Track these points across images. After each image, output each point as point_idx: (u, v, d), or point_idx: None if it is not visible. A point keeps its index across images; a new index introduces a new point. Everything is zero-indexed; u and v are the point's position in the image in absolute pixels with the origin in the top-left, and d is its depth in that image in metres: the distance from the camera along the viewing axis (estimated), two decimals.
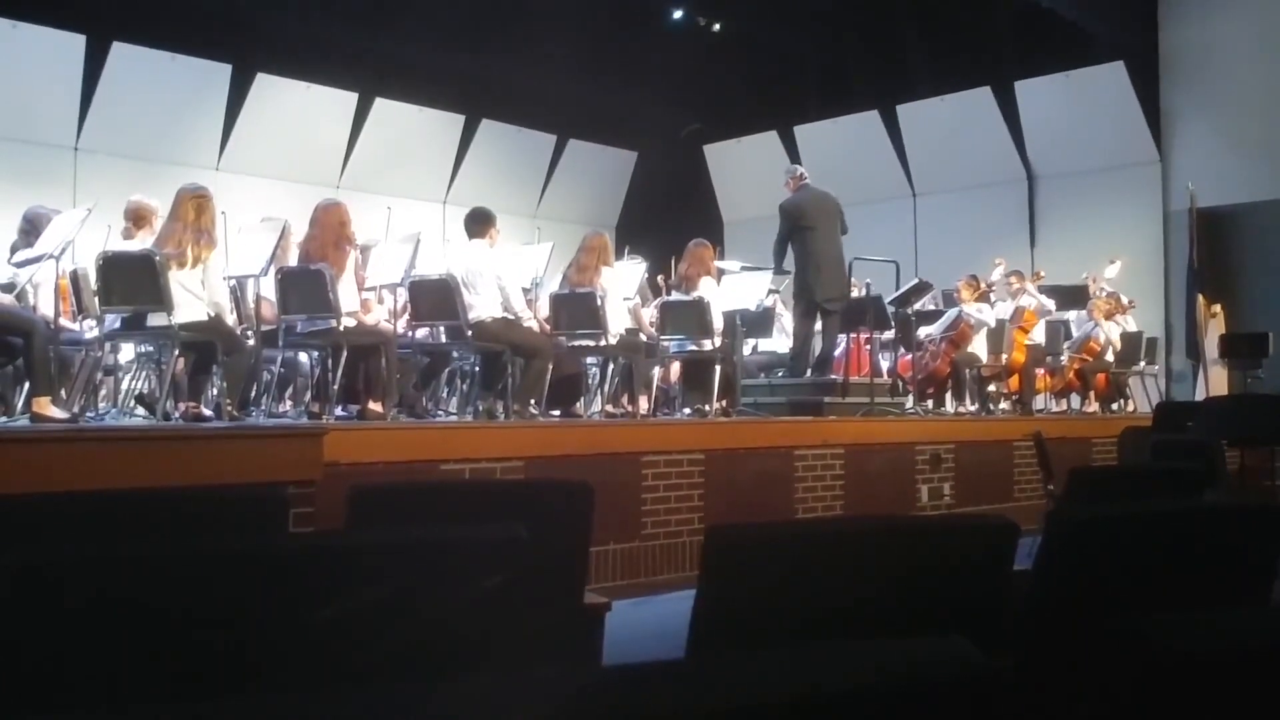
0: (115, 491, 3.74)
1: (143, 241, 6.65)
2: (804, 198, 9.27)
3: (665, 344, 8.44)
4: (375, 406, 6.75)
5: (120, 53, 11.77)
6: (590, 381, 8.48)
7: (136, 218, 6.87)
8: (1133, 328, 11.91)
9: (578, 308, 7.74)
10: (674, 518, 6.72)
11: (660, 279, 10.09)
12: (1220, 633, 1.26)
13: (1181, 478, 3.84)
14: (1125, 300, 11.94)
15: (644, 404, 8.27)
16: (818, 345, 9.51)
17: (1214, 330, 12.06)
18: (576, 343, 7.87)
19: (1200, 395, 11.35)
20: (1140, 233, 13.14)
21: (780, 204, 9.29)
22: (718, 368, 8.10)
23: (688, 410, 8.54)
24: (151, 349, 7.06)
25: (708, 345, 8.18)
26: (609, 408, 8.23)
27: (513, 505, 2.73)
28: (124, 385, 7.88)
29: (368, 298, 7.54)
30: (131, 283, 6.20)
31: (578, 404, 8.16)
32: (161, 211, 6.71)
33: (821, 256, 9.04)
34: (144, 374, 7.60)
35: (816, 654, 1.10)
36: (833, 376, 9.23)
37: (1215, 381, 11.83)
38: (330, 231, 6.93)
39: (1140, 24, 13.21)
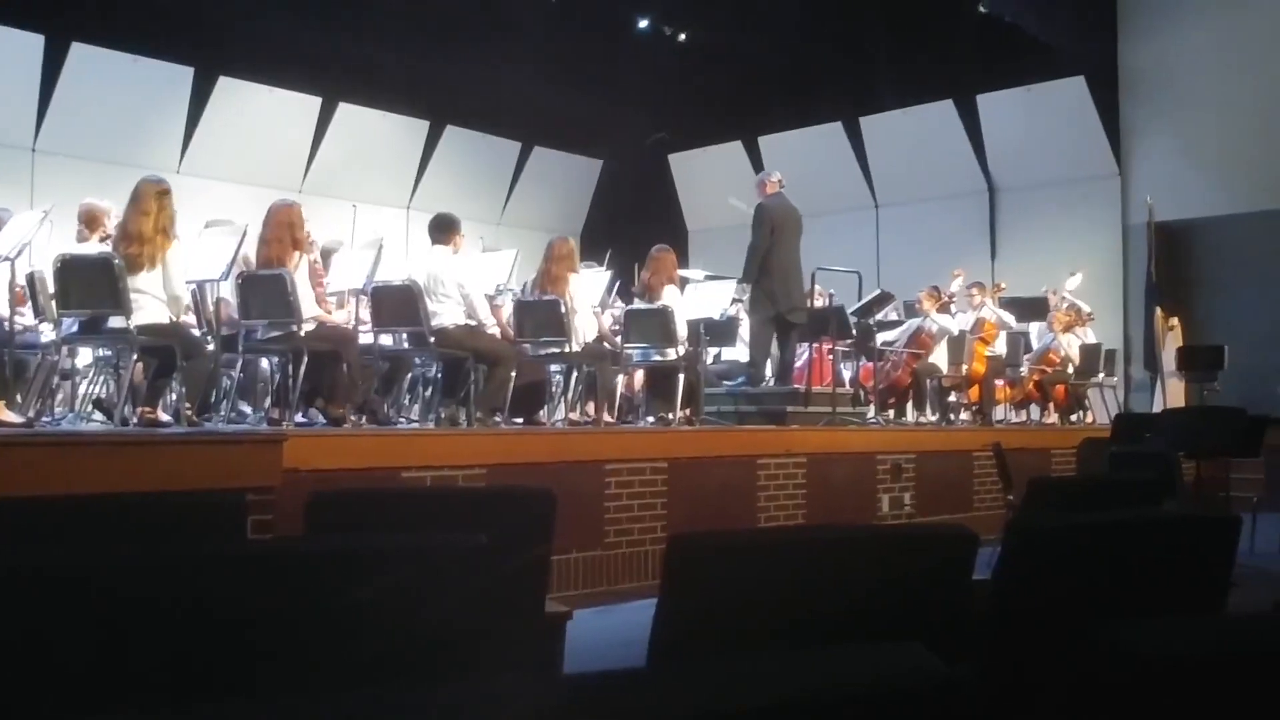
0: (72, 497, 3.69)
1: (98, 243, 6.56)
2: (781, 203, 9.28)
3: (629, 352, 8.44)
4: (336, 410, 6.69)
5: (80, 53, 11.65)
6: (554, 389, 8.46)
7: (89, 220, 6.78)
8: (1092, 340, 12.03)
9: (543, 315, 7.72)
10: (637, 526, 6.71)
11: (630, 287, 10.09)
12: (1176, 641, 1.27)
13: (1139, 488, 3.88)
14: (1085, 311, 12.06)
15: (606, 413, 8.26)
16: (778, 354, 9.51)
17: (1172, 343, 12.21)
18: (543, 350, 7.84)
19: (1158, 407, 11.48)
20: (1100, 246, 13.29)
21: (761, 204, 9.25)
22: (681, 376, 8.10)
23: (651, 418, 8.54)
24: (110, 353, 6.97)
25: (671, 354, 8.18)
26: (572, 415, 8.22)
27: (474, 513, 2.72)
28: (81, 390, 7.79)
29: (330, 300, 7.48)
30: (89, 286, 6.12)
31: (541, 411, 8.14)
32: (115, 212, 6.62)
33: (787, 267, 9.07)
34: (102, 378, 7.51)
35: (777, 662, 1.10)
36: (795, 386, 9.25)
37: (1173, 393, 11.97)
38: (279, 231, 6.84)
39: (1101, 40, 13.38)
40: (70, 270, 6.19)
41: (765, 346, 9.25)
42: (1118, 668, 1.21)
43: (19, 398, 6.62)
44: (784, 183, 9.50)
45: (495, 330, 7.74)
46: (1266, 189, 12.18)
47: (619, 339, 8.53)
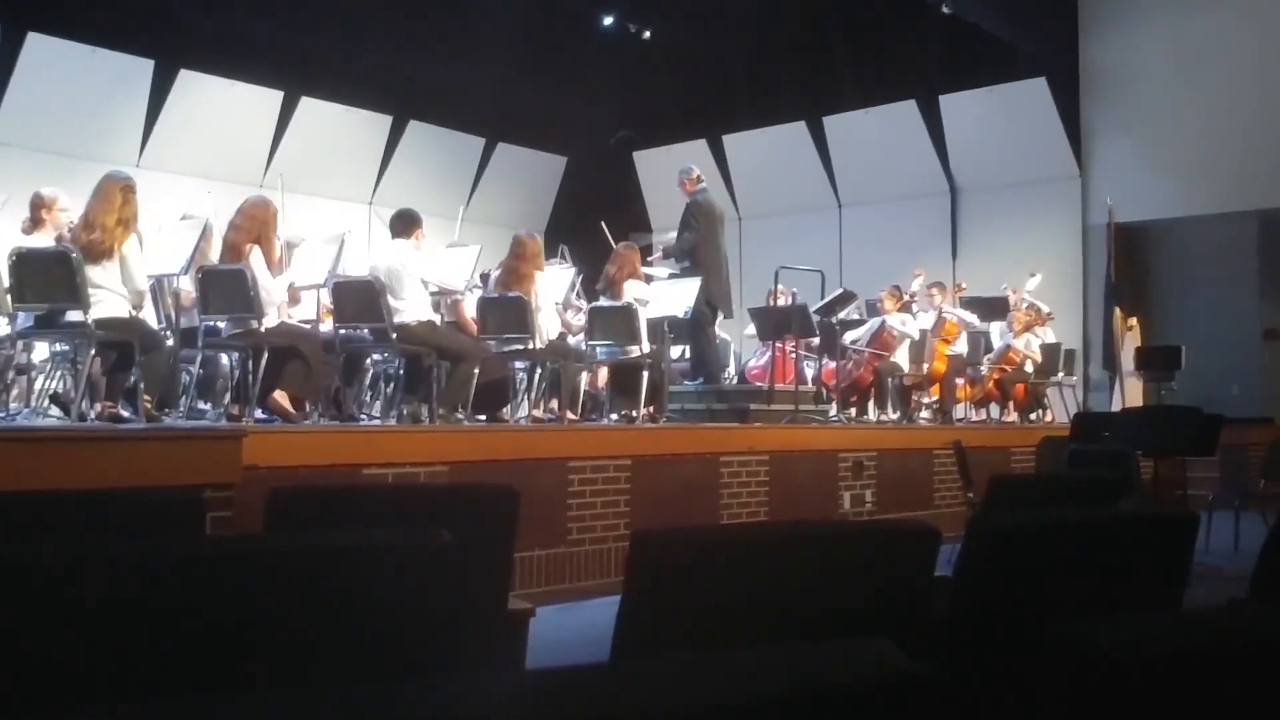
0: (28, 493, 3.64)
1: (46, 236, 6.46)
2: (707, 199, 9.30)
3: (594, 349, 8.42)
4: (294, 406, 6.63)
5: (36, 43, 11.47)
6: (518, 386, 8.44)
7: (33, 208, 6.67)
8: (1051, 339, 12.14)
9: (507, 312, 7.69)
10: (600, 523, 6.70)
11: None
12: (1134, 637, 1.28)
13: (1097, 486, 3.91)
14: (1045, 311, 12.16)
15: (570, 410, 8.24)
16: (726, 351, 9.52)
17: (1130, 343, 12.35)
18: (507, 348, 7.82)
19: (1116, 406, 11.61)
20: (1060, 246, 13.41)
21: (694, 200, 9.25)
22: (645, 373, 8.09)
23: (615, 416, 8.53)
24: (67, 348, 6.89)
25: (636, 351, 8.17)
26: (536, 413, 8.19)
27: (437, 510, 2.70)
28: (38, 385, 7.68)
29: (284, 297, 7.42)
30: (46, 279, 6.04)
31: (504, 409, 8.11)
32: (62, 202, 6.54)
33: (719, 263, 9.10)
34: (59, 373, 7.41)
35: (740, 658, 1.10)
36: (758, 384, 9.26)
37: (1131, 393, 12.11)
38: (248, 224, 6.80)
39: (1062, 42, 13.52)
40: (26, 264, 6.11)
41: (710, 342, 9.27)
42: (1076, 664, 1.22)
43: None
44: (704, 179, 9.55)
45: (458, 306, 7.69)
46: (1225, 191, 12.34)
47: (582, 335, 8.52)
